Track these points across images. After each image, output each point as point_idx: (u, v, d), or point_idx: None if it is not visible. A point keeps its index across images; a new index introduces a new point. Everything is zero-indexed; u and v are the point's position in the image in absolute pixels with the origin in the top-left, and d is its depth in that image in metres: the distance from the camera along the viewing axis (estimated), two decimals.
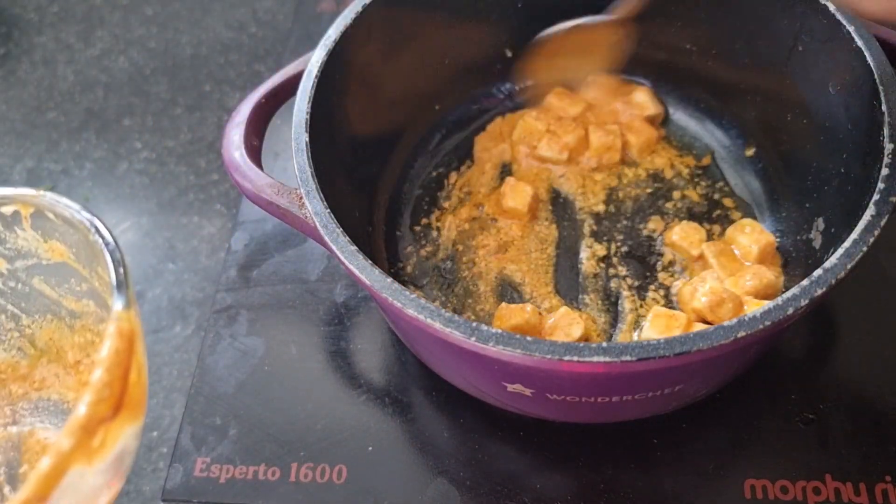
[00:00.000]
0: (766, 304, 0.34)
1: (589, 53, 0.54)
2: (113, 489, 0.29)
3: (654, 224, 0.53)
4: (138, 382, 0.29)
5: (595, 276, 0.51)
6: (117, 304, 0.29)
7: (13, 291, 0.34)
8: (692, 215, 0.53)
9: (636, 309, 0.49)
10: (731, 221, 0.53)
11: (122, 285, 0.30)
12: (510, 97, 0.61)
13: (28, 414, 0.35)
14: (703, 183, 0.55)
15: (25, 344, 0.35)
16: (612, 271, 0.51)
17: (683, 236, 0.50)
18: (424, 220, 0.55)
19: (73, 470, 0.25)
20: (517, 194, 0.53)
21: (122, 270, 0.30)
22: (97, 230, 0.31)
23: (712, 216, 0.53)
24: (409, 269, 0.53)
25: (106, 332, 0.28)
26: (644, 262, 0.51)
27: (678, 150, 0.57)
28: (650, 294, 0.50)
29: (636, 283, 0.50)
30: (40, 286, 0.35)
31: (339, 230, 0.39)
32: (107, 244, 0.31)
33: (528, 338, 0.34)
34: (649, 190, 0.55)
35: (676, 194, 0.54)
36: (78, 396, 0.29)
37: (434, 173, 0.58)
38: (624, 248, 0.52)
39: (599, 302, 0.50)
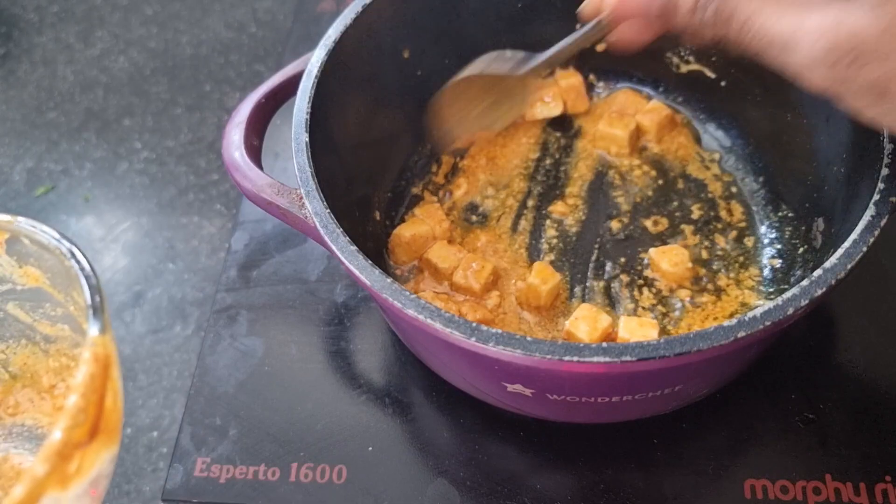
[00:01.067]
0: (767, 304, 0.34)
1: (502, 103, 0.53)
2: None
3: (650, 224, 0.53)
4: (114, 408, 0.29)
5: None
6: (93, 330, 0.29)
7: None
8: (690, 220, 0.53)
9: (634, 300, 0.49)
10: (730, 222, 0.53)
11: (97, 310, 0.29)
12: None
13: (1, 440, 0.35)
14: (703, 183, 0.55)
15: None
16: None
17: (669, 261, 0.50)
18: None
19: (48, 496, 0.25)
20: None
21: (97, 296, 0.30)
22: (73, 255, 0.31)
23: (712, 217, 0.53)
24: (409, 268, 0.53)
25: (81, 357, 0.28)
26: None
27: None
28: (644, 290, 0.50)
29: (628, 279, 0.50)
30: (14, 311, 0.35)
31: (339, 230, 0.39)
32: (82, 269, 0.31)
33: (528, 338, 0.34)
34: (650, 192, 0.55)
35: (675, 196, 0.55)
36: (53, 421, 0.29)
37: (434, 173, 0.58)
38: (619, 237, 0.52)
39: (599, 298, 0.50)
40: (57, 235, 0.31)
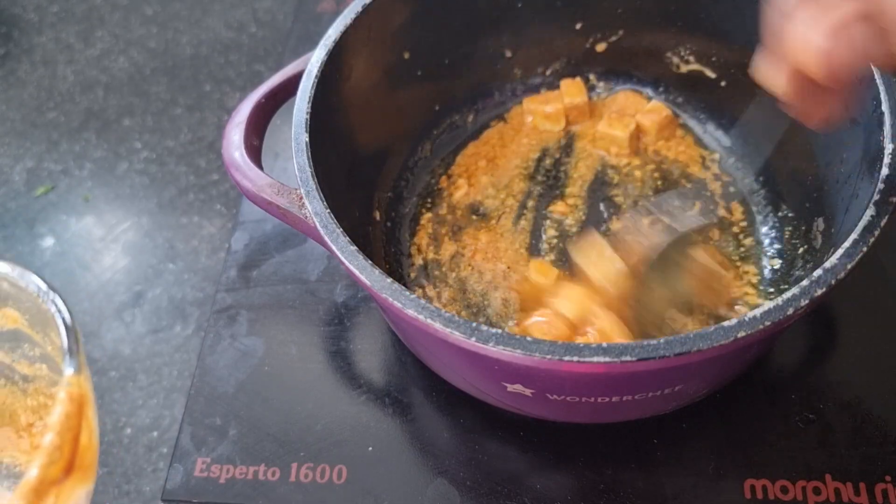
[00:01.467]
0: (767, 304, 0.34)
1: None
2: None
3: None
4: (89, 446, 0.29)
5: None
6: (68, 370, 0.29)
7: None
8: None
9: None
10: (731, 223, 0.53)
11: (73, 351, 0.30)
12: (511, 97, 0.61)
13: None
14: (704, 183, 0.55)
15: None
16: None
17: None
18: (425, 219, 0.55)
19: None
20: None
21: (73, 338, 0.30)
22: (50, 298, 0.31)
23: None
24: (409, 268, 0.53)
25: (57, 398, 0.28)
26: None
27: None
28: None
29: None
30: None
31: (339, 230, 0.39)
32: (59, 311, 0.31)
33: (528, 338, 0.34)
34: (650, 192, 0.55)
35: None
36: (30, 460, 0.29)
37: (435, 172, 0.58)
38: None
39: None
40: (35, 278, 0.32)
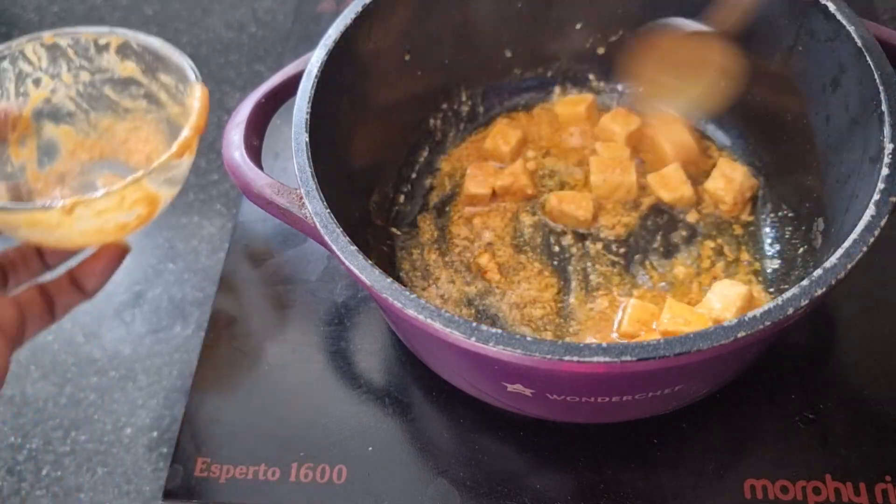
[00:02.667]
0: (767, 304, 0.34)
1: (702, 70, 0.50)
2: (178, 190, 0.45)
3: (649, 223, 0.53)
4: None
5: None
6: (194, 80, 0.45)
7: (89, 95, 0.48)
8: (689, 220, 0.53)
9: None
10: (731, 223, 0.53)
11: (196, 71, 0.45)
12: (510, 97, 0.61)
13: (95, 169, 0.50)
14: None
15: (90, 129, 0.49)
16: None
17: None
18: (425, 219, 0.55)
19: (186, 156, 0.43)
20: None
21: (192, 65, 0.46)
22: (170, 47, 0.46)
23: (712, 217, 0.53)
24: (409, 268, 0.53)
25: (186, 103, 0.46)
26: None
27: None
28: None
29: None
30: (108, 92, 0.48)
31: (339, 230, 0.39)
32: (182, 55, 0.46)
33: (528, 338, 0.34)
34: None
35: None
36: (183, 122, 0.44)
37: (434, 172, 0.58)
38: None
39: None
40: (161, 42, 0.46)
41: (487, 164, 0.57)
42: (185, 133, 0.42)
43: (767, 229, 0.52)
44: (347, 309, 0.53)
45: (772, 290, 0.49)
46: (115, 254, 0.43)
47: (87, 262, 0.43)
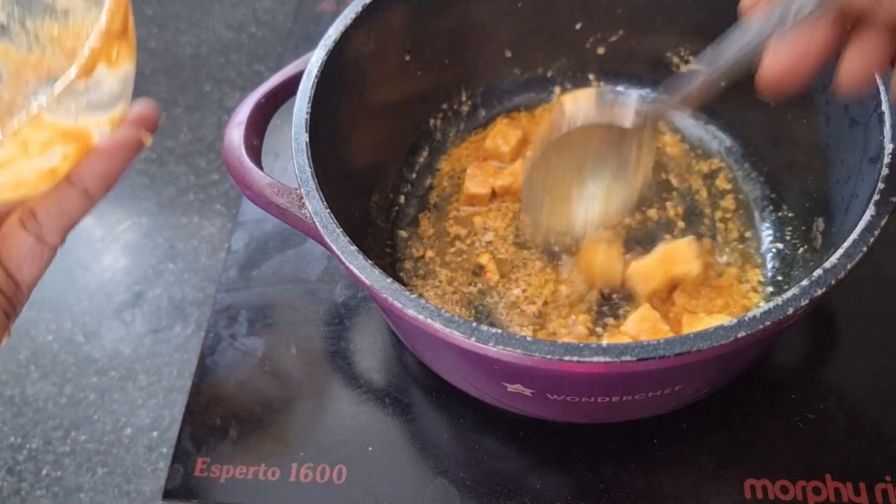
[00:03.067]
0: (767, 304, 0.34)
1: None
2: (121, 110, 0.36)
3: (651, 214, 0.53)
4: (131, 31, 0.35)
5: None
6: None
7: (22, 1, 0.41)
8: (693, 214, 0.53)
9: None
10: (731, 223, 0.53)
11: None
12: (510, 97, 0.61)
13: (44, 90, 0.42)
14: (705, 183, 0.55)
15: (32, 41, 0.42)
16: None
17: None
18: (425, 219, 0.55)
19: (100, 67, 0.32)
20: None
21: None
22: None
23: (712, 217, 0.53)
24: (409, 268, 0.53)
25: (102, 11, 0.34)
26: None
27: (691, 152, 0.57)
28: None
29: None
30: None
31: (339, 230, 0.39)
32: None
33: (528, 338, 0.34)
34: (649, 191, 0.55)
35: (676, 194, 0.55)
36: (98, 13, 0.35)
37: (434, 172, 0.58)
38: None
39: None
40: None
41: (487, 164, 0.57)
42: (91, 43, 0.32)
43: (767, 229, 0.52)
44: (347, 309, 0.53)
45: (772, 290, 0.49)
46: (117, 153, 0.37)
47: (85, 161, 0.37)
